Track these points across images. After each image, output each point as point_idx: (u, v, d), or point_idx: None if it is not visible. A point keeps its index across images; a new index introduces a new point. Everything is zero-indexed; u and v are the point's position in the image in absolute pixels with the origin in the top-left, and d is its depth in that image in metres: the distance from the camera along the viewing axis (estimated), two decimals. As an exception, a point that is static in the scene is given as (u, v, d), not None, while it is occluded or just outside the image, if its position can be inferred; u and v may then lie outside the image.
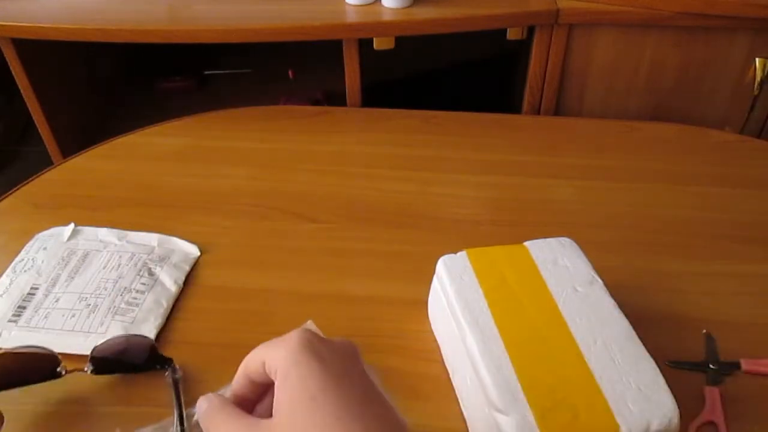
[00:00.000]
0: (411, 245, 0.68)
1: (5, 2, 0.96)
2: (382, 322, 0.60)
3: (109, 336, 0.57)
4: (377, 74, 1.04)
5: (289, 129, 0.88)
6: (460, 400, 0.52)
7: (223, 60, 1.33)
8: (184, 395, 0.53)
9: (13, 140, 1.77)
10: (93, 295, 0.60)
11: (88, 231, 0.69)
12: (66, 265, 0.64)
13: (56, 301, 0.60)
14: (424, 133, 0.87)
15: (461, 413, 0.52)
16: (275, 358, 0.33)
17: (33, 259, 0.65)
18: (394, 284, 0.63)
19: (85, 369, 0.53)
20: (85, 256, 0.65)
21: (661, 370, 0.46)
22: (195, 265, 0.66)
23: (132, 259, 0.65)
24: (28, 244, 0.67)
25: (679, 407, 0.44)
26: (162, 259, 0.65)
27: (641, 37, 0.91)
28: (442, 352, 0.56)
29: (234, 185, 0.77)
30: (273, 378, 0.33)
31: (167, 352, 0.57)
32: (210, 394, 0.36)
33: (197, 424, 0.36)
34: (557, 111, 1.00)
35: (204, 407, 0.35)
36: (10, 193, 0.77)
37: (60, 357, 0.52)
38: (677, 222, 0.71)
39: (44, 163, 0.90)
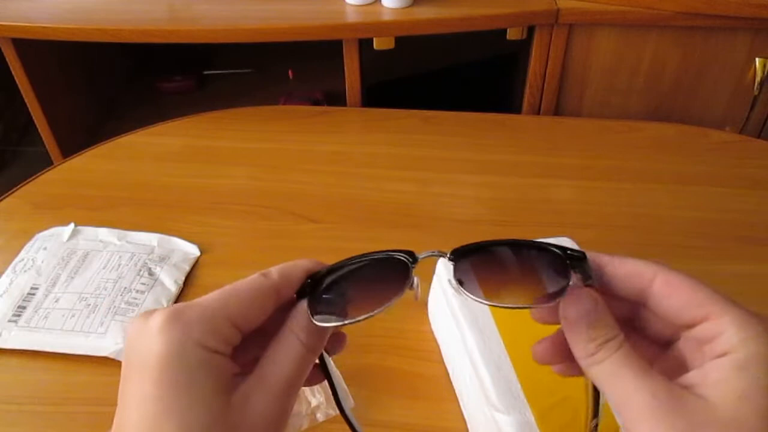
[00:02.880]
0: (411, 245, 0.68)
1: (5, 2, 0.96)
2: (382, 322, 0.59)
3: (108, 336, 0.57)
4: (377, 74, 1.04)
5: (289, 129, 0.88)
6: (460, 400, 0.52)
7: (223, 60, 1.33)
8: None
9: (13, 140, 1.77)
10: (93, 295, 0.60)
11: (88, 231, 0.69)
12: (66, 265, 0.64)
13: (56, 301, 0.60)
14: (424, 133, 0.87)
15: (461, 413, 0.52)
16: (732, 334, 0.26)
17: (33, 259, 0.65)
18: (394, 284, 0.63)
19: None
20: (85, 256, 0.65)
21: (661, 370, 0.46)
22: (195, 265, 0.66)
23: (132, 259, 0.65)
24: (28, 244, 0.67)
25: (679, 407, 0.44)
26: (162, 259, 0.65)
27: (641, 37, 0.91)
28: (442, 352, 0.56)
29: (234, 185, 0.77)
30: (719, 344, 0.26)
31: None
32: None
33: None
34: (557, 111, 1.00)
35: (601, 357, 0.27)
36: (10, 193, 0.77)
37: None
38: (677, 222, 0.71)
39: (44, 163, 0.90)
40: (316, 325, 0.30)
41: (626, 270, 0.31)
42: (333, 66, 1.01)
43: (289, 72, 1.28)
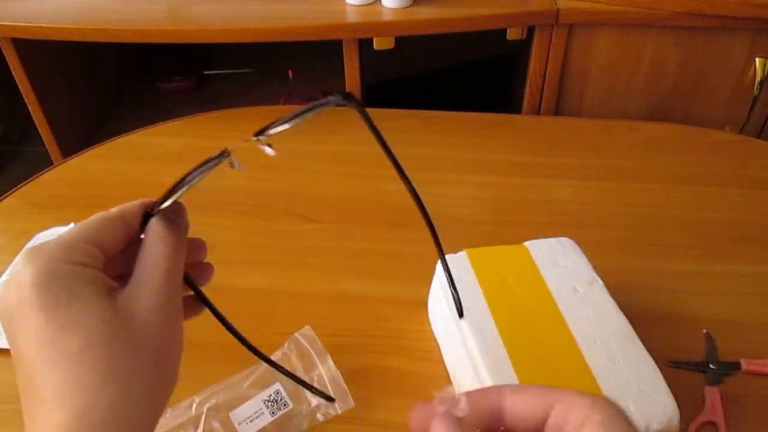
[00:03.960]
0: (411, 245, 0.68)
1: (5, 2, 0.96)
2: (382, 322, 0.59)
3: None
4: (377, 74, 1.04)
5: (289, 129, 0.88)
6: (460, 400, 0.52)
7: (223, 60, 1.33)
8: (174, 396, 0.53)
9: (13, 140, 1.77)
10: (93, 295, 0.60)
11: (88, 231, 0.69)
12: (66, 265, 0.64)
13: (56, 301, 0.60)
14: (424, 133, 0.87)
15: (461, 413, 0.52)
16: (581, 404, 0.29)
17: (33, 259, 0.65)
18: (394, 284, 0.63)
19: None
20: (85, 256, 0.65)
21: (661, 370, 0.46)
22: (195, 265, 0.66)
23: (132, 259, 0.65)
24: (28, 244, 0.67)
25: (679, 407, 0.44)
26: (162, 259, 0.65)
27: (641, 37, 0.91)
28: (442, 352, 0.56)
29: (234, 185, 0.77)
30: (564, 428, 0.29)
31: (167, 352, 0.57)
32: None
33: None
34: (557, 111, 1.00)
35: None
36: (10, 193, 0.77)
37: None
38: (677, 222, 0.71)
39: (44, 163, 0.90)
40: (166, 223, 0.34)
41: (479, 394, 0.32)
42: (333, 66, 1.01)
43: (289, 72, 1.28)
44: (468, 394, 0.32)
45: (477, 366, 0.47)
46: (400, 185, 0.36)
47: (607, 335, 0.49)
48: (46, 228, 0.69)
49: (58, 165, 0.82)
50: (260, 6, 0.94)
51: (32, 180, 0.79)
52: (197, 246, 0.39)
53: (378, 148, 0.35)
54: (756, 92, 0.93)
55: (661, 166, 0.80)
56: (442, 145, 0.84)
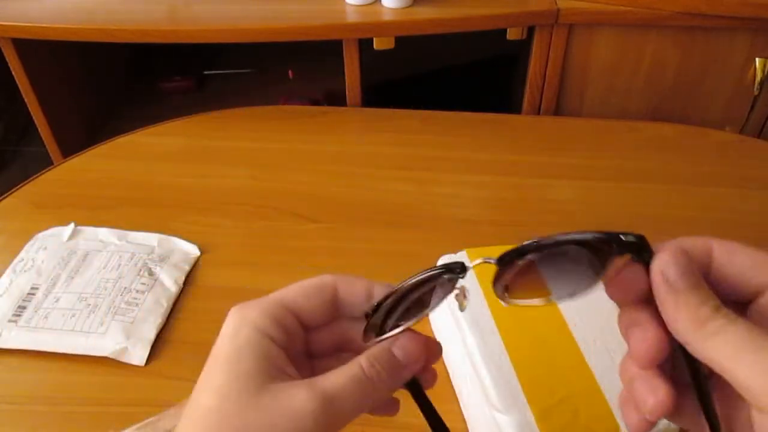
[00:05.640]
0: (411, 245, 0.68)
1: (5, 2, 0.96)
2: (382, 322, 0.59)
3: (108, 336, 0.57)
4: (377, 74, 1.04)
5: (289, 129, 0.88)
6: (460, 400, 0.52)
7: (223, 60, 1.33)
8: (175, 396, 0.53)
9: (13, 140, 1.77)
10: (93, 295, 0.60)
11: (89, 231, 0.69)
12: (66, 265, 0.64)
13: (56, 301, 0.60)
14: (424, 133, 0.87)
15: (461, 413, 0.52)
16: None
17: (33, 259, 0.65)
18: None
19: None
20: (85, 256, 0.65)
21: (661, 370, 0.46)
22: (195, 265, 0.66)
23: (132, 259, 0.65)
24: (28, 244, 0.67)
25: (679, 407, 0.44)
26: (162, 259, 0.65)
27: (641, 37, 0.91)
28: (443, 351, 0.56)
29: (234, 185, 0.77)
30: None
31: (167, 352, 0.57)
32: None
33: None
34: (557, 111, 1.00)
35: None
36: (10, 193, 0.77)
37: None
38: (677, 222, 0.71)
39: (44, 163, 0.90)
40: (377, 350, 0.31)
41: (684, 246, 0.27)
42: (333, 66, 1.01)
43: (289, 72, 1.28)
44: (678, 241, 0.26)
45: (477, 366, 0.47)
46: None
47: (607, 335, 0.49)
48: (46, 228, 0.69)
49: (58, 165, 0.82)
50: (260, 6, 0.94)
51: (32, 180, 0.79)
52: (432, 350, 0.34)
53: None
54: (756, 92, 0.93)
55: (661, 166, 0.80)
56: (442, 145, 0.84)
